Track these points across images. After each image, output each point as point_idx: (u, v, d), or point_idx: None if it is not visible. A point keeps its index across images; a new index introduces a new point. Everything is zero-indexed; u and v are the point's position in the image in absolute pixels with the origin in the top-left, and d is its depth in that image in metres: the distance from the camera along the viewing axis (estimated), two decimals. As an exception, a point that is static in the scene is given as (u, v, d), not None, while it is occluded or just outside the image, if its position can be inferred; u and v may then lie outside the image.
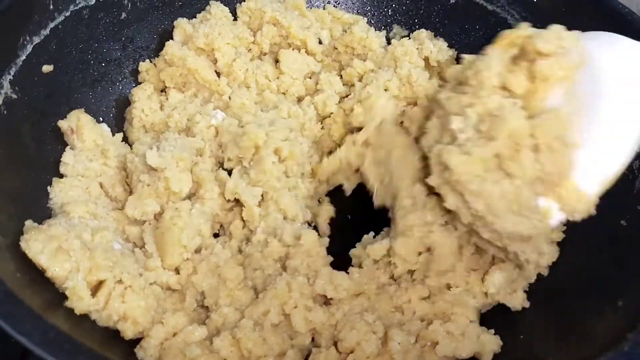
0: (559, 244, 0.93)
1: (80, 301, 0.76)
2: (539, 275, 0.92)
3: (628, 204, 0.87)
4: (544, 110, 0.78)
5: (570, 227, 0.92)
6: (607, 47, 0.81)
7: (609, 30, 0.85)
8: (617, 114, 0.78)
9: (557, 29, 0.80)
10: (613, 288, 0.80)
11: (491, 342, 0.82)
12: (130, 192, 0.98)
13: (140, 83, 1.15)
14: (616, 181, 0.81)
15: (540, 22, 0.90)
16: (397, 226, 0.91)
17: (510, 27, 0.91)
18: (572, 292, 0.88)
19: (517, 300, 0.89)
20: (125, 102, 1.13)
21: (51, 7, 0.97)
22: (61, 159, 0.96)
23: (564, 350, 0.77)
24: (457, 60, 1.16)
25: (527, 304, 0.90)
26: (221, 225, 1.00)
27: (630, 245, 0.84)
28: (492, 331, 0.84)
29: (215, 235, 0.98)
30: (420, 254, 0.89)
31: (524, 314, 0.89)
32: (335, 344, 0.80)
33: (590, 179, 0.79)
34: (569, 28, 0.81)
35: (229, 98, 1.13)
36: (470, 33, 1.19)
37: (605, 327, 0.76)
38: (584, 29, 0.84)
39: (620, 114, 0.78)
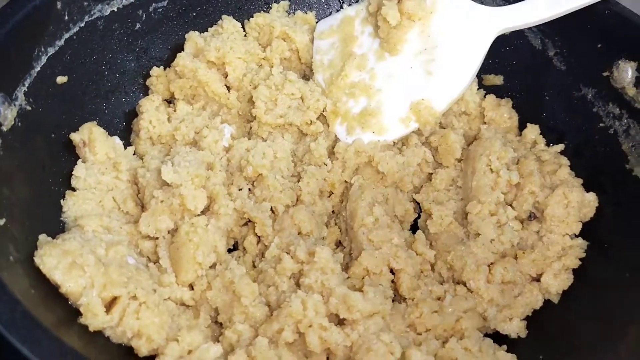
0: (574, 271, 0.93)
1: (95, 318, 0.75)
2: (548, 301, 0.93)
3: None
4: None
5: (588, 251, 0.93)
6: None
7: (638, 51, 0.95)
8: (457, 52, 1.04)
9: None
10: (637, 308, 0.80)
11: (507, 358, 0.81)
12: (142, 207, 0.97)
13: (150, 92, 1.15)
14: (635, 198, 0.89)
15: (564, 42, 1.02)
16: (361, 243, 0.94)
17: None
18: (591, 314, 0.87)
19: (514, 329, 0.90)
20: (135, 114, 1.13)
21: (66, 17, 0.97)
22: (73, 172, 0.96)
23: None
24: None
25: (524, 333, 0.90)
26: (235, 241, 1.00)
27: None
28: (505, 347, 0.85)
29: (229, 251, 0.98)
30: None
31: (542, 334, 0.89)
32: (351, 364, 0.80)
33: (439, 100, 1.04)
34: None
35: (238, 113, 1.14)
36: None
37: (630, 348, 0.75)
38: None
39: (459, 52, 1.04)
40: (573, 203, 0.95)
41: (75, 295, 0.76)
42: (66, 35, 0.97)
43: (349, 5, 1.23)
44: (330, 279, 0.85)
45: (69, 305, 0.77)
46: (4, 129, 0.84)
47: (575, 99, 1.06)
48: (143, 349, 0.78)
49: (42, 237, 0.81)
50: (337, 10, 1.25)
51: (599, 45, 1.02)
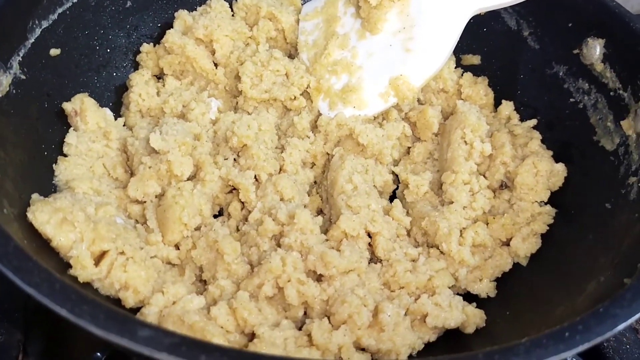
0: (542, 235, 0.98)
1: (84, 270, 0.79)
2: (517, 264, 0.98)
3: (613, 188, 0.92)
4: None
5: (556, 217, 0.98)
6: None
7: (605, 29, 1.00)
8: (434, 31, 1.09)
9: None
10: (596, 267, 0.85)
11: (475, 314, 0.87)
12: (131, 174, 1.02)
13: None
14: (602, 168, 0.95)
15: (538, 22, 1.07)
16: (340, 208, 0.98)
17: None
18: (556, 274, 0.92)
19: (483, 289, 0.95)
20: (126, 89, 1.17)
21: (59, -7, 1.01)
22: (65, 139, 1.00)
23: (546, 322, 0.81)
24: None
25: (494, 293, 0.95)
26: (220, 208, 1.04)
27: (613, 226, 0.88)
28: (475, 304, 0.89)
29: (215, 217, 1.02)
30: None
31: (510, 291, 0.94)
32: (328, 318, 0.84)
33: (417, 76, 1.08)
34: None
35: (225, 88, 1.18)
36: None
37: (586, 303, 0.80)
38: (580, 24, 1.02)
39: (436, 31, 1.09)
40: (542, 172, 1.00)
41: (66, 248, 0.80)
42: (59, 10, 1.02)
43: (334, -12, 1.28)
44: (309, 238, 0.90)
45: (60, 259, 0.81)
46: (-1, 94, 0.88)
47: (548, 77, 1.11)
48: (130, 300, 0.82)
49: (35, 196, 0.85)
50: (322, -7, 1.29)
51: (570, 25, 1.07)
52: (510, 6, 1.12)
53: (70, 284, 0.58)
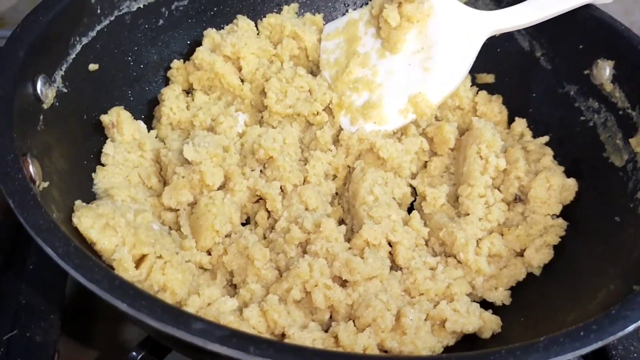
0: (554, 247, 1.03)
1: (125, 272, 0.84)
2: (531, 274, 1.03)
3: (621, 203, 0.97)
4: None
5: (567, 230, 1.03)
6: (445, 4, 1.17)
7: (614, 51, 1.06)
8: (452, 51, 1.15)
9: None
10: (606, 277, 0.89)
11: (492, 320, 0.91)
12: (164, 183, 1.07)
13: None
14: (611, 183, 1.01)
15: (550, 43, 1.14)
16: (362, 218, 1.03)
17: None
18: (568, 284, 0.97)
19: (499, 297, 1.00)
20: (157, 103, 1.23)
21: (98, 11, 1.07)
22: (103, 150, 1.06)
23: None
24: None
25: (508, 301, 1.00)
26: (248, 217, 1.10)
27: (621, 238, 0.93)
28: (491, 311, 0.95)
29: (242, 225, 1.07)
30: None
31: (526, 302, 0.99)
32: (352, 321, 0.89)
33: (434, 93, 1.14)
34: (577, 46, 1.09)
35: (251, 103, 1.24)
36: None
37: (597, 309, 0.84)
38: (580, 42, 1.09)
39: (454, 51, 1.15)
40: (554, 186, 1.05)
41: (109, 251, 0.85)
42: (98, 27, 1.07)
43: (354, 9, 1.34)
44: (334, 246, 0.95)
45: (103, 261, 0.86)
46: (45, 106, 0.93)
47: (559, 96, 1.17)
48: (168, 301, 0.86)
49: (78, 202, 0.91)
50: (343, 14, 1.35)
51: (581, 47, 1.13)
52: (524, 28, 1.18)
53: (128, 281, 0.63)
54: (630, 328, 0.66)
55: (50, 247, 0.65)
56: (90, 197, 0.99)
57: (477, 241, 1.02)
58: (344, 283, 0.93)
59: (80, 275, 0.62)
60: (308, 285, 0.89)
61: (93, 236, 0.85)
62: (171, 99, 1.19)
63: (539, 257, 1.02)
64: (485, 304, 0.99)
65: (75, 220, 0.85)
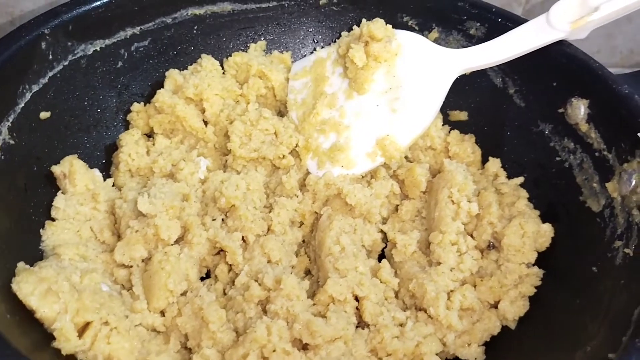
0: (530, 297, 0.98)
1: (67, 342, 0.79)
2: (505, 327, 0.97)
3: (599, 252, 0.92)
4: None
5: (543, 279, 0.98)
6: (413, 42, 1.14)
7: (588, 89, 1.03)
8: (420, 91, 1.11)
9: (382, 22, 1.12)
10: (583, 335, 0.84)
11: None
12: (119, 237, 1.02)
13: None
14: (588, 229, 0.96)
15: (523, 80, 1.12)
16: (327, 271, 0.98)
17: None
18: (545, 339, 0.92)
19: (472, 354, 0.94)
20: (116, 148, 1.17)
21: (50, 57, 1.02)
22: (53, 203, 1.00)
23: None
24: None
25: (482, 358, 0.94)
26: (208, 269, 1.04)
27: (599, 291, 0.88)
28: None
29: (202, 279, 1.02)
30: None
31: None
32: (313, 389, 0.83)
33: (403, 136, 1.10)
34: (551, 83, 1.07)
35: (215, 147, 1.19)
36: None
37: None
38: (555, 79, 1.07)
39: (422, 91, 1.11)
40: (529, 233, 1.00)
41: (50, 320, 0.80)
42: (50, 74, 1.03)
43: (322, 47, 1.30)
44: (295, 305, 0.89)
45: (44, 330, 0.81)
46: (-13, 161, 0.88)
47: (534, 134, 1.13)
48: (111, 376, 0.81)
49: (20, 265, 0.85)
50: (311, 52, 1.31)
51: (555, 84, 1.09)
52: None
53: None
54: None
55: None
56: (36, 255, 0.94)
57: (449, 294, 0.96)
58: (305, 345, 0.88)
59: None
60: (266, 350, 0.84)
61: (33, 304, 0.79)
62: (130, 145, 1.14)
63: (514, 309, 0.97)
64: (457, 362, 0.94)
65: (14, 286, 0.80)
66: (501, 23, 1.14)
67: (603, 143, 1.00)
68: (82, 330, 0.82)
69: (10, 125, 0.95)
